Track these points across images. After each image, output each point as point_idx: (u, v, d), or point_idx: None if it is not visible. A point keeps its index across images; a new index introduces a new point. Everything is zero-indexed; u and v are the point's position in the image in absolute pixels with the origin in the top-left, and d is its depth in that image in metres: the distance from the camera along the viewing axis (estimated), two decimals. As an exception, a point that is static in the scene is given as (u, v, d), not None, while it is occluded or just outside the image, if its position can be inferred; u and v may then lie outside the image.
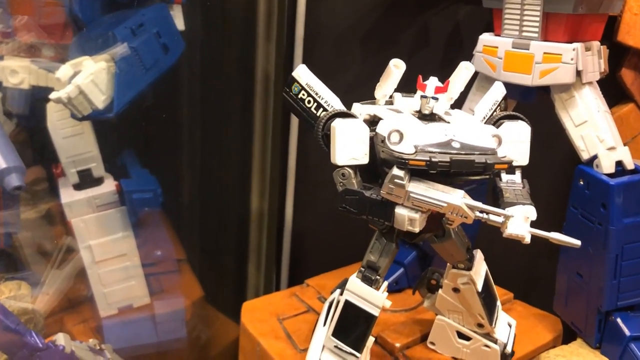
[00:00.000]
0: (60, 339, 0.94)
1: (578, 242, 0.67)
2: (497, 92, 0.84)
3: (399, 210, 0.71)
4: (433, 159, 0.67)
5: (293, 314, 1.03)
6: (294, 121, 1.25)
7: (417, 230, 0.72)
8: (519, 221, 0.69)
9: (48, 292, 1.00)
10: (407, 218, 0.71)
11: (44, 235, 1.06)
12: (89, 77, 0.88)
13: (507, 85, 0.86)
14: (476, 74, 0.97)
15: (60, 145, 1.01)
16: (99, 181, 1.06)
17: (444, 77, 0.77)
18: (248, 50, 1.20)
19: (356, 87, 1.16)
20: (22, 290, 1.03)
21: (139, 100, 0.98)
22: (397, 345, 0.95)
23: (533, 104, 0.94)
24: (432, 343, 0.94)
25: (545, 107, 0.93)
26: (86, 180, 1.04)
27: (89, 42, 0.93)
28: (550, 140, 0.99)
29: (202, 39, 1.14)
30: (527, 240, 0.68)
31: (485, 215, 0.69)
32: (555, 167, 1.06)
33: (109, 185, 1.06)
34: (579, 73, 0.86)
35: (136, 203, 1.05)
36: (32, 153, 1.09)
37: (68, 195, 1.04)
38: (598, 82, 0.90)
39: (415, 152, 0.68)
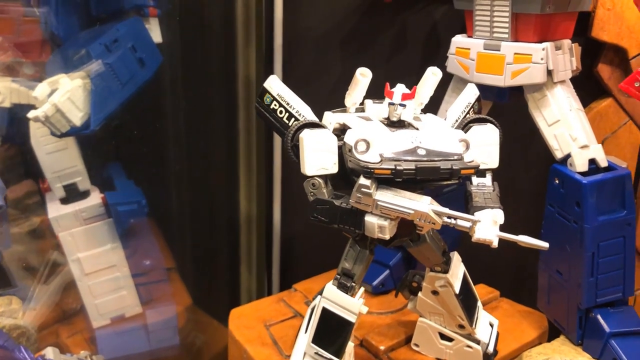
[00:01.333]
0: (49, 353, 0.96)
1: (546, 245, 0.67)
2: (470, 94, 0.85)
3: (368, 219, 0.72)
4: (398, 167, 0.67)
5: (280, 320, 1.04)
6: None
7: (387, 237, 0.73)
8: (487, 225, 0.70)
9: (35, 307, 1.01)
10: (377, 226, 0.72)
11: (30, 250, 1.07)
12: (65, 94, 0.89)
13: (482, 86, 0.87)
14: (452, 75, 0.98)
15: (44, 161, 1.03)
16: (85, 194, 1.07)
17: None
18: (228, 58, 1.20)
19: (336, 90, 1.15)
20: (14, 305, 1.04)
21: (121, 112, 0.99)
22: (382, 347, 0.95)
23: (510, 104, 0.94)
24: (416, 345, 0.95)
25: (522, 107, 0.93)
26: (72, 194, 1.05)
27: (66, 59, 0.94)
28: (529, 139, 0.99)
29: (181, 50, 1.15)
30: (495, 244, 0.69)
31: (453, 221, 0.69)
32: (535, 166, 1.07)
33: (95, 198, 1.07)
34: (550, 72, 0.86)
35: (121, 215, 1.06)
36: (18, 169, 1.10)
37: (55, 210, 1.05)
38: (574, 78, 0.91)
39: (381, 160, 0.68)
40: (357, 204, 0.72)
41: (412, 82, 0.77)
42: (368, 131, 0.72)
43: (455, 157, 0.70)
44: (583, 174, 0.85)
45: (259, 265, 1.33)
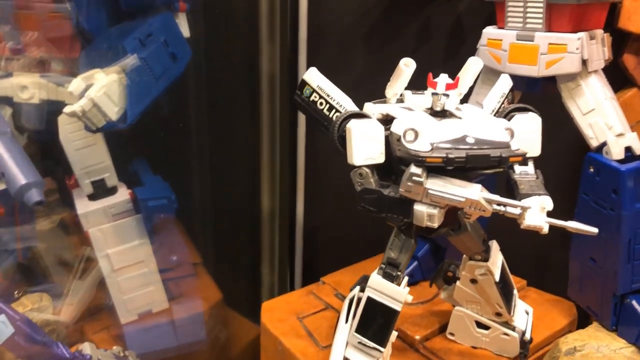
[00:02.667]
0: (87, 348, 0.96)
1: (595, 230, 0.69)
2: (504, 84, 0.86)
3: (417, 207, 0.73)
4: (449, 156, 0.68)
5: (312, 312, 1.04)
6: (302, 120, 1.26)
7: (436, 225, 0.73)
8: (536, 212, 0.71)
9: (72, 303, 1.01)
10: (426, 214, 0.73)
11: (63, 246, 1.07)
12: (101, 89, 0.89)
13: (512, 77, 0.87)
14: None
15: (73, 157, 1.03)
16: (112, 190, 1.07)
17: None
18: (252, 53, 1.21)
19: (361, 84, 1.17)
20: (44, 302, 1.04)
21: (147, 108, 0.99)
22: (417, 337, 0.96)
23: (535, 95, 0.95)
24: (452, 334, 0.96)
25: (547, 97, 0.94)
26: (100, 190, 1.05)
27: (98, 54, 0.94)
28: (555, 129, 1.00)
29: (206, 45, 1.15)
30: (545, 230, 0.70)
31: (502, 208, 0.70)
32: (560, 157, 1.07)
33: (123, 194, 1.07)
34: (584, 62, 0.87)
35: (151, 210, 1.06)
36: (45, 165, 1.10)
37: (83, 206, 1.05)
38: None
39: (432, 149, 0.69)
40: (406, 193, 0.72)
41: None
42: (416, 120, 0.73)
43: (504, 145, 0.71)
44: (619, 161, 0.86)
45: (281, 261, 1.34)
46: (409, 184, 0.71)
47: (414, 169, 0.70)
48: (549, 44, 0.87)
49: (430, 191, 0.70)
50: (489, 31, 0.95)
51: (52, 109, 1.00)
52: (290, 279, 1.37)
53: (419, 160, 0.69)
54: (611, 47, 0.93)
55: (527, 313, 0.95)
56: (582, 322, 1.03)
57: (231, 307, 1.27)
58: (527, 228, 0.71)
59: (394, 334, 0.83)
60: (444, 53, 1.15)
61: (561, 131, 0.98)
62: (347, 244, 1.27)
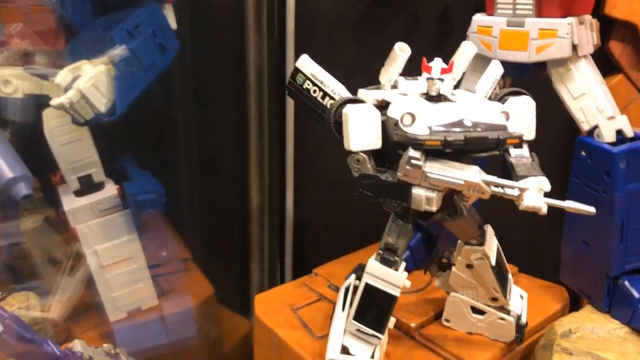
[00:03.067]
0: (77, 345, 0.94)
1: (593, 209, 0.69)
2: (495, 70, 0.86)
3: (416, 191, 0.73)
4: (448, 138, 0.68)
5: (306, 303, 1.04)
6: (290, 113, 1.25)
7: (434, 209, 0.73)
8: (534, 193, 0.71)
9: (61, 300, 0.99)
10: (425, 198, 0.73)
11: (49, 244, 1.05)
12: (89, 80, 0.88)
13: (503, 63, 0.88)
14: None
15: (59, 152, 1.01)
16: (99, 186, 1.05)
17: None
18: (239, 46, 1.20)
19: (350, 76, 1.16)
20: (31, 301, 1.02)
21: (135, 102, 0.98)
22: (413, 325, 0.96)
23: (525, 81, 0.96)
24: (447, 320, 0.96)
25: (536, 83, 0.95)
26: (87, 186, 1.04)
27: (85, 46, 0.93)
28: (545, 115, 1.01)
29: (193, 38, 1.14)
30: (544, 211, 0.70)
31: (501, 190, 0.71)
32: (550, 143, 1.08)
33: (111, 189, 1.05)
34: (574, 47, 0.88)
35: (140, 205, 1.05)
36: (28, 162, 1.08)
37: (70, 203, 1.03)
38: (589, 55, 0.93)
39: (430, 132, 0.69)
40: (404, 177, 0.72)
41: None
42: (413, 104, 0.73)
43: (501, 127, 0.71)
44: (611, 144, 0.87)
45: (270, 255, 1.33)
46: (408, 167, 0.70)
47: (412, 152, 0.70)
48: (539, 29, 0.88)
49: (429, 174, 0.70)
50: (479, 18, 0.95)
51: (36, 103, 0.98)
52: (281, 274, 1.36)
53: (418, 144, 0.69)
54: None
55: (522, 297, 0.95)
56: (573, 307, 1.04)
57: (221, 303, 1.26)
58: (526, 209, 0.71)
59: (392, 320, 0.82)
60: (434, 41, 1.16)
61: (550, 117, 0.99)
62: (338, 237, 1.27)
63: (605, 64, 1.05)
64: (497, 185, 0.70)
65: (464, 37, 0.97)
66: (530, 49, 0.89)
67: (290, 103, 1.28)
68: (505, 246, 1.00)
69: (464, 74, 0.91)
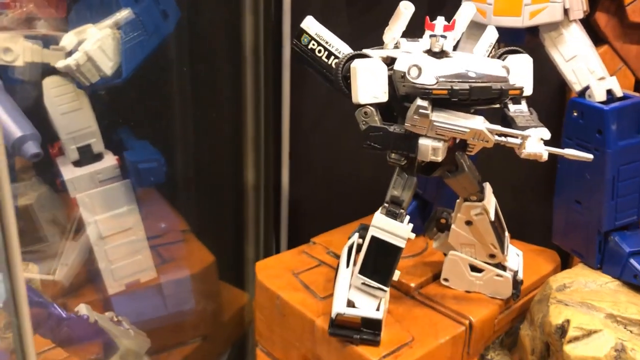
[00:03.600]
0: (83, 309, 0.96)
1: (590, 156, 0.73)
2: (491, 35, 0.89)
3: (422, 141, 0.76)
4: (454, 87, 0.72)
5: (307, 268, 1.05)
6: (286, 92, 1.27)
7: (440, 159, 0.76)
8: (535, 141, 0.75)
9: (67, 263, 1.00)
10: (431, 148, 0.76)
11: (55, 211, 1.06)
12: (96, 43, 0.89)
13: (497, 29, 0.91)
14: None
15: (59, 121, 1.01)
16: (98, 157, 1.06)
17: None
18: (235, 25, 1.22)
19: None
20: (31, 269, 1.03)
21: (132, 74, 0.99)
22: (412, 285, 0.99)
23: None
24: (446, 279, 0.99)
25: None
26: (86, 156, 1.04)
27: (89, 10, 0.94)
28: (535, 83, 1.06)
29: (190, 13, 1.15)
30: (545, 157, 0.74)
31: (504, 138, 0.74)
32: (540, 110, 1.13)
33: (110, 160, 1.06)
34: (566, 11, 0.92)
35: (142, 173, 1.06)
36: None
37: (70, 172, 1.04)
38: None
39: (437, 82, 0.72)
40: (412, 128, 0.75)
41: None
42: (419, 57, 0.76)
43: (503, 79, 0.74)
44: (602, 103, 0.92)
45: (266, 232, 1.35)
46: (415, 117, 0.73)
47: (420, 101, 0.73)
48: (533, -6, 0.92)
49: (435, 123, 0.73)
50: (473, -14, 0.99)
51: (37, 72, 0.99)
52: (276, 249, 1.38)
53: (426, 93, 0.72)
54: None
55: (518, 255, 0.99)
56: (564, 269, 1.07)
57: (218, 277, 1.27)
58: (528, 157, 0.74)
59: (397, 273, 0.85)
60: (429, 13, 1.18)
61: (540, 86, 1.03)
62: (331, 212, 1.29)
63: (591, 35, 1.08)
64: (500, 134, 0.74)
65: (459, 4, 1.00)
66: (524, 14, 0.92)
67: (286, 83, 1.30)
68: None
69: (458, 42, 0.95)
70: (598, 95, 0.92)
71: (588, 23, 1.09)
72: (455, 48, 0.88)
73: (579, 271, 0.98)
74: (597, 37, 1.11)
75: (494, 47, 0.89)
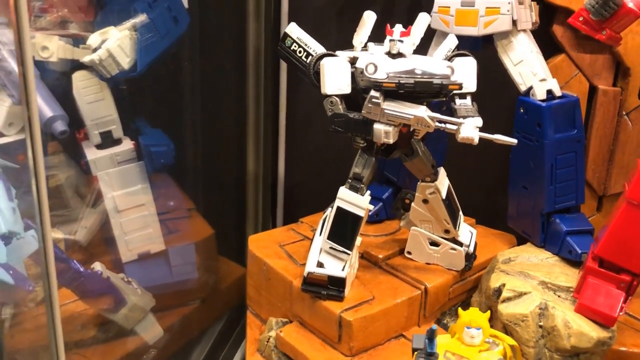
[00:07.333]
0: (97, 266, 1.12)
1: (514, 141, 0.87)
2: (451, 42, 1.05)
3: (376, 126, 0.91)
4: (401, 81, 0.87)
5: (292, 241, 1.21)
6: (283, 89, 1.44)
7: (391, 141, 0.92)
8: (470, 127, 0.89)
9: (86, 226, 1.17)
10: (383, 131, 0.91)
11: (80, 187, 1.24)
12: (116, 42, 1.07)
13: (459, 37, 1.06)
14: (435, 31, 1.18)
15: (85, 110, 1.17)
16: (118, 141, 1.23)
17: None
18: (240, 30, 1.39)
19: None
20: (54, 234, 1.20)
21: (146, 71, 1.16)
22: (380, 256, 1.14)
23: (481, 57, 1.14)
24: (409, 252, 1.13)
25: (492, 59, 1.13)
26: (107, 140, 1.20)
27: (112, 15, 1.12)
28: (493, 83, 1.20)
29: (200, 19, 1.33)
30: (476, 140, 0.88)
31: (443, 125, 0.89)
32: (499, 110, 1.27)
33: (127, 144, 1.23)
34: (514, 22, 1.06)
35: (153, 155, 1.23)
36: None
37: (93, 153, 1.20)
38: (535, 36, 1.12)
39: (387, 77, 0.88)
40: (367, 114, 0.91)
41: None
42: (375, 57, 0.92)
43: (445, 76, 0.90)
44: (542, 101, 1.06)
45: (264, 214, 1.51)
46: (370, 105, 0.89)
47: (373, 92, 0.89)
48: (486, 7, 1.06)
49: (386, 111, 0.89)
50: (439, 0, 1.14)
51: (68, 67, 1.17)
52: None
53: (378, 85, 0.88)
54: (542, 18, 1.13)
55: (471, 233, 1.13)
56: (521, 251, 1.21)
57: (219, 253, 1.44)
58: (462, 141, 0.89)
59: (359, 239, 1.00)
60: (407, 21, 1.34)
61: (503, 87, 1.17)
62: (322, 197, 1.44)
63: (550, 45, 1.23)
64: (440, 121, 0.89)
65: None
66: (479, 24, 1.08)
67: (283, 82, 1.46)
68: (466, 203, 1.18)
69: (428, 47, 1.10)
70: (539, 94, 1.06)
71: (547, 34, 1.24)
72: (426, 53, 1.04)
73: (525, 248, 1.12)
74: (556, 47, 1.25)
75: (452, 52, 1.05)
